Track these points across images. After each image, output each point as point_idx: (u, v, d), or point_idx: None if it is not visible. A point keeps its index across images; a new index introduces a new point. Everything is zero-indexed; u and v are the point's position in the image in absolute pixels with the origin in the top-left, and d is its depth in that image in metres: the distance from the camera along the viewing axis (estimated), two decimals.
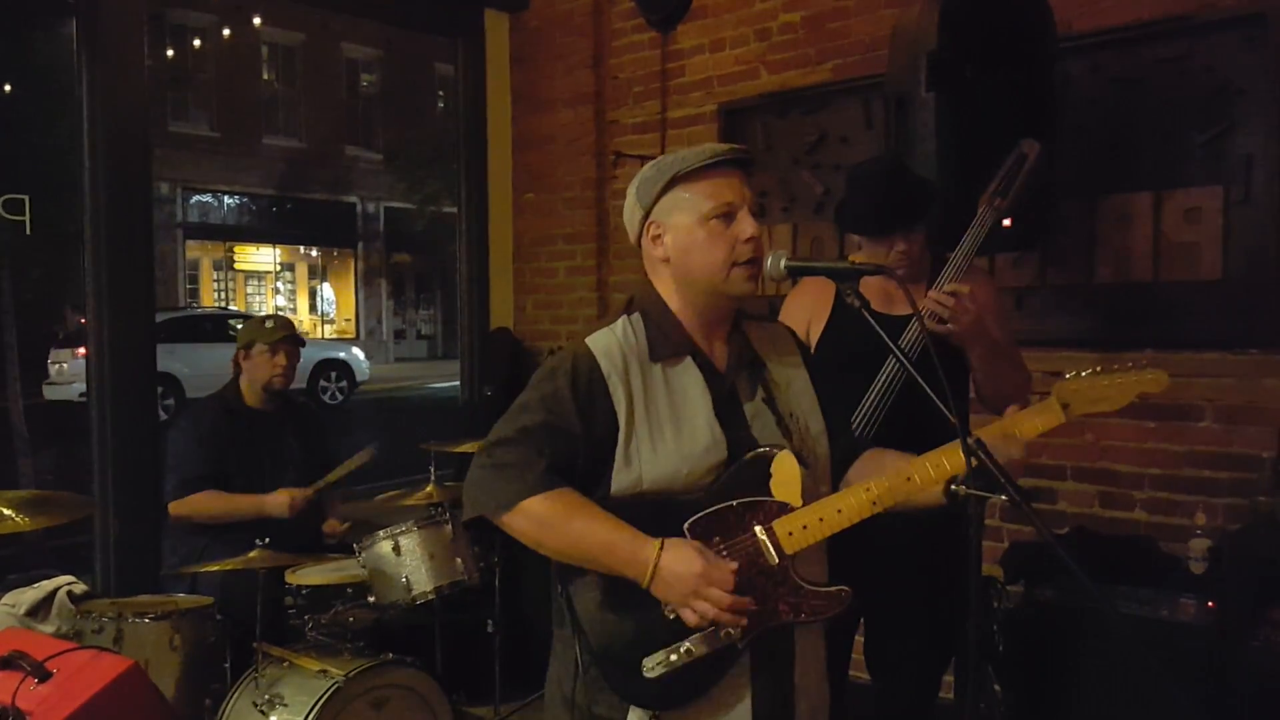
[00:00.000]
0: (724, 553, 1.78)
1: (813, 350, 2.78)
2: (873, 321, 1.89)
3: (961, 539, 1.79)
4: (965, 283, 2.62)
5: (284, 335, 3.75)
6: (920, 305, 2.51)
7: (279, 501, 3.57)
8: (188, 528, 3.62)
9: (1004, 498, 1.72)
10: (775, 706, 1.85)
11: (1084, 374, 1.88)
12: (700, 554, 1.75)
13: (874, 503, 1.83)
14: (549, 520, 1.77)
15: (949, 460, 1.82)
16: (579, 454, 1.81)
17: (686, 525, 1.78)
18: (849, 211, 2.78)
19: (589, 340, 1.88)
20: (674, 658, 1.74)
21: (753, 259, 1.85)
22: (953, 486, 1.78)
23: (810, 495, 1.84)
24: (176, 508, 3.59)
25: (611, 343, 1.87)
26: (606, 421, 1.81)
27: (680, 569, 1.73)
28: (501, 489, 1.79)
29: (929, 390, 1.81)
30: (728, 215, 1.84)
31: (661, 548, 1.74)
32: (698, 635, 1.75)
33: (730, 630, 1.75)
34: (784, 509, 1.82)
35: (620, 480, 1.80)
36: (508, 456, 1.81)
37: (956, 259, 2.65)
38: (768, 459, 1.84)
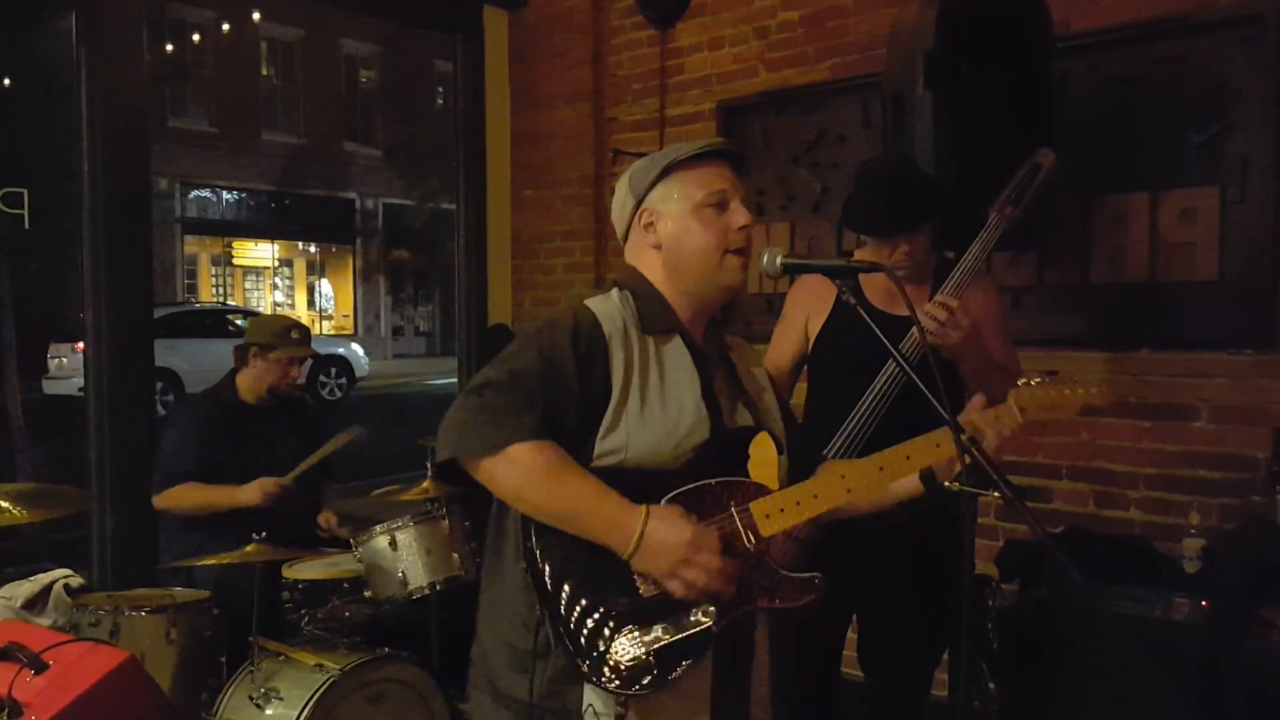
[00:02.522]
0: (709, 531, 1.75)
1: (812, 346, 2.81)
2: (869, 320, 1.89)
3: (955, 536, 1.80)
4: (971, 289, 2.62)
5: (307, 354, 3.76)
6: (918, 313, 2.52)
7: (251, 491, 3.50)
8: (182, 523, 3.62)
9: (998, 495, 1.73)
10: (734, 701, 1.84)
11: (1035, 382, 1.94)
12: (687, 520, 1.72)
13: (848, 490, 1.83)
14: (537, 471, 1.69)
15: (920, 454, 1.84)
16: (570, 410, 1.74)
17: (665, 501, 1.75)
18: (855, 211, 2.76)
19: (588, 303, 1.86)
20: (645, 639, 1.70)
21: (743, 248, 1.86)
22: (946, 484, 1.79)
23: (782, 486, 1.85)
24: (159, 500, 3.60)
25: (611, 307, 1.86)
26: (601, 382, 1.77)
27: (670, 536, 1.69)
28: (490, 430, 1.69)
29: (924, 389, 1.82)
30: (720, 204, 1.86)
31: (648, 515, 1.70)
32: (669, 620, 1.72)
33: (704, 615, 1.72)
34: (761, 490, 1.82)
35: (605, 445, 1.75)
36: (500, 399, 1.72)
37: (964, 265, 2.64)
38: (746, 439, 1.84)
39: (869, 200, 2.70)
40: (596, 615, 1.72)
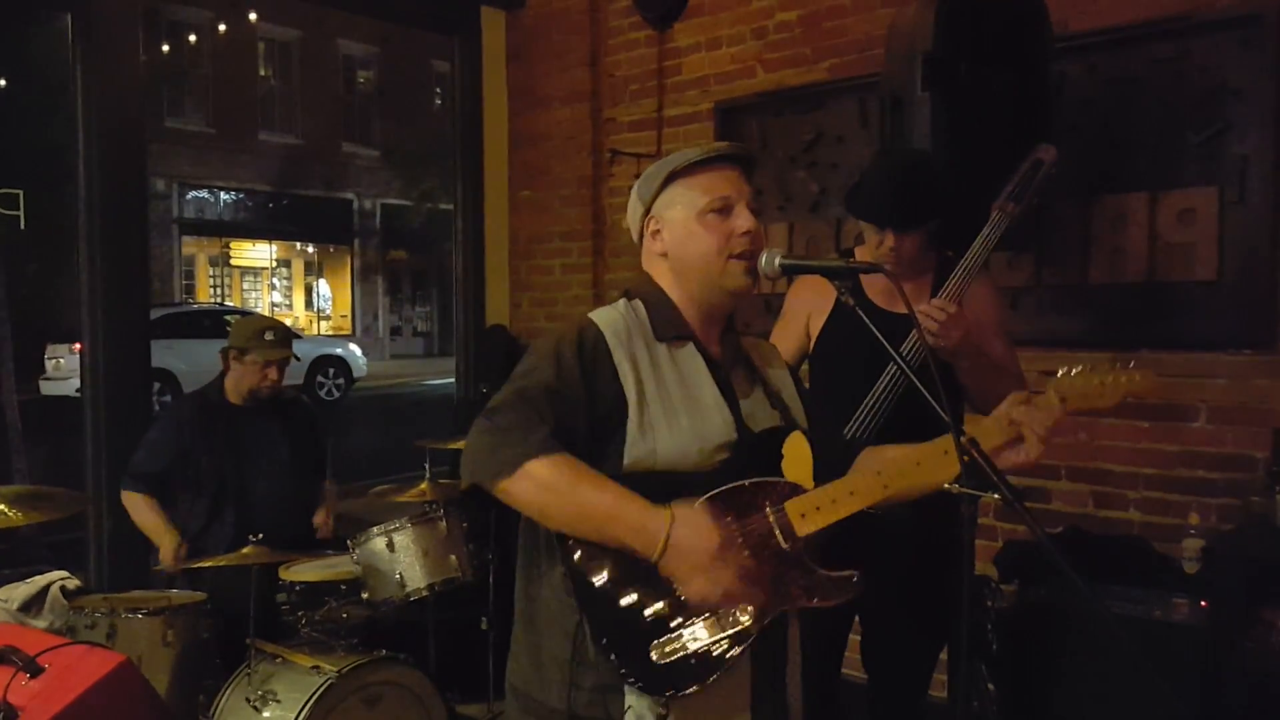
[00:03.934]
0: (736, 531, 1.75)
1: (813, 345, 2.80)
2: (867, 321, 1.89)
3: (956, 538, 1.79)
4: (971, 288, 2.61)
5: (282, 356, 3.72)
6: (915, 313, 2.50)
7: (164, 549, 3.50)
8: (180, 523, 3.61)
9: (997, 496, 1.73)
10: (773, 701, 1.84)
11: (1075, 371, 1.89)
12: (717, 527, 1.72)
13: (885, 486, 1.82)
14: (555, 484, 1.70)
15: (955, 450, 1.82)
16: (581, 422, 1.76)
17: (699, 502, 1.75)
18: (859, 194, 2.72)
19: (592, 315, 1.87)
20: (683, 638, 1.70)
21: (748, 252, 1.85)
22: (946, 485, 1.78)
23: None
24: (123, 498, 3.64)
25: (615, 318, 1.86)
26: (612, 393, 1.77)
27: (696, 542, 1.69)
28: (503, 452, 1.71)
29: (922, 388, 1.82)
30: (724, 210, 1.85)
31: (673, 518, 1.70)
32: (707, 620, 1.72)
33: (743, 615, 1.71)
34: (796, 490, 1.81)
35: (634, 453, 1.76)
36: (509, 420, 1.74)
37: (965, 264, 2.62)
38: (779, 439, 1.84)
39: (874, 187, 2.68)
40: (636, 617, 1.72)
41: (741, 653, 1.74)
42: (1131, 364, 1.91)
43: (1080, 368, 1.89)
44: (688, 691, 1.69)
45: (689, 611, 1.72)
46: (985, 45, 2.97)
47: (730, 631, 1.72)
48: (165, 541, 3.51)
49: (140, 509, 3.60)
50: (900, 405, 2.56)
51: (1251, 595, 2.87)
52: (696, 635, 1.71)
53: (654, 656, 1.70)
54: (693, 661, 1.70)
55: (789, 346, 2.84)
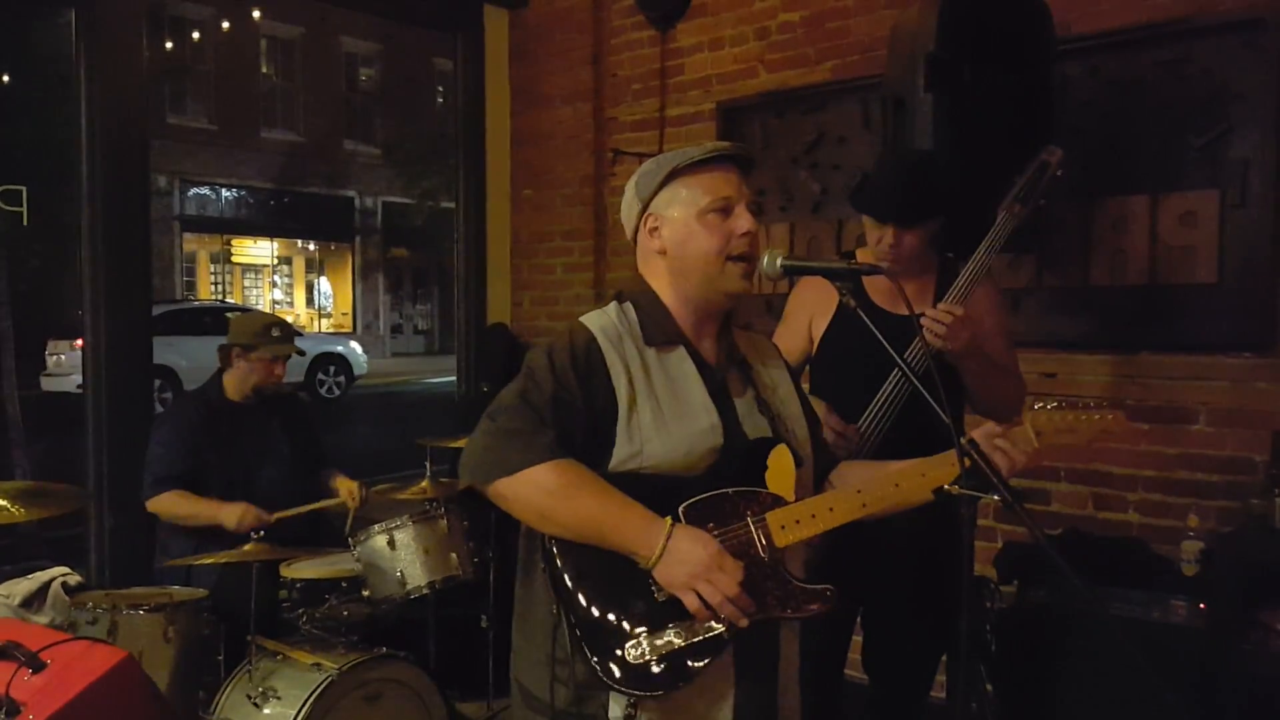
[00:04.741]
0: (718, 539, 1.76)
1: (816, 346, 2.80)
2: (868, 322, 1.89)
3: (956, 539, 1.80)
4: (975, 288, 2.61)
5: (290, 351, 3.72)
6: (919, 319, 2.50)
7: (233, 513, 3.46)
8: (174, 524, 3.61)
9: (997, 498, 1.73)
10: (759, 704, 1.84)
11: (1052, 405, 1.91)
12: (714, 540, 1.74)
13: (864, 505, 1.84)
14: (559, 490, 1.72)
15: (936, 471, 1.84)
16: (581, 427, 1.78)
17: (683, 508, 1.76)
18: (864, 189, 2.74)
19: (583, 319, 1.89)
20: (657, 643, 1.71)
21: (747, 254, 1.85)
22: (945, 486, 1.79)
23: (800, 493, 1.85)
24: (151, 505, 3.59)
25: (607, 322, 1.88)
26: (605, 396, 1.79)
27: (695, 550, 1.71)
28: (508, 454, 1.74)
29: (924, 391, 1.82)
30: (725, 210, 1.86)
31: (672, 527, 1.72)
32: (682, 624, 1.73)
33: (716, 622, 1.72)
34: (778, 502, 1.82)
35: (620, 454, 1.78)
36: (514, 423, 1.76)
37: (971, 268, 2.62)
38: (764, 449, 1.85)
39: (878, 182, 2.69)
40: (611, 617, 1.73)
41: (716, 658, 1.74)
42: (1105, 405, 1.92)
43: (1056, 402, 1.91)
44: (658, 693, 1.71)
45: (665, 616, 1.73)
46: (988, 47, 2.97)
47: (703, 637, 1.73)
48: (227, 514, 3.45)
49: (179, 504, 3.54)
50: (906, 409, 2.56)
51: (1250, 598, 2.87)
52: (669, 639, 1.72)
53: (627, 657, 1.71)
54: (665, 665, 1.72)
55: (791, 348, 2.84)
